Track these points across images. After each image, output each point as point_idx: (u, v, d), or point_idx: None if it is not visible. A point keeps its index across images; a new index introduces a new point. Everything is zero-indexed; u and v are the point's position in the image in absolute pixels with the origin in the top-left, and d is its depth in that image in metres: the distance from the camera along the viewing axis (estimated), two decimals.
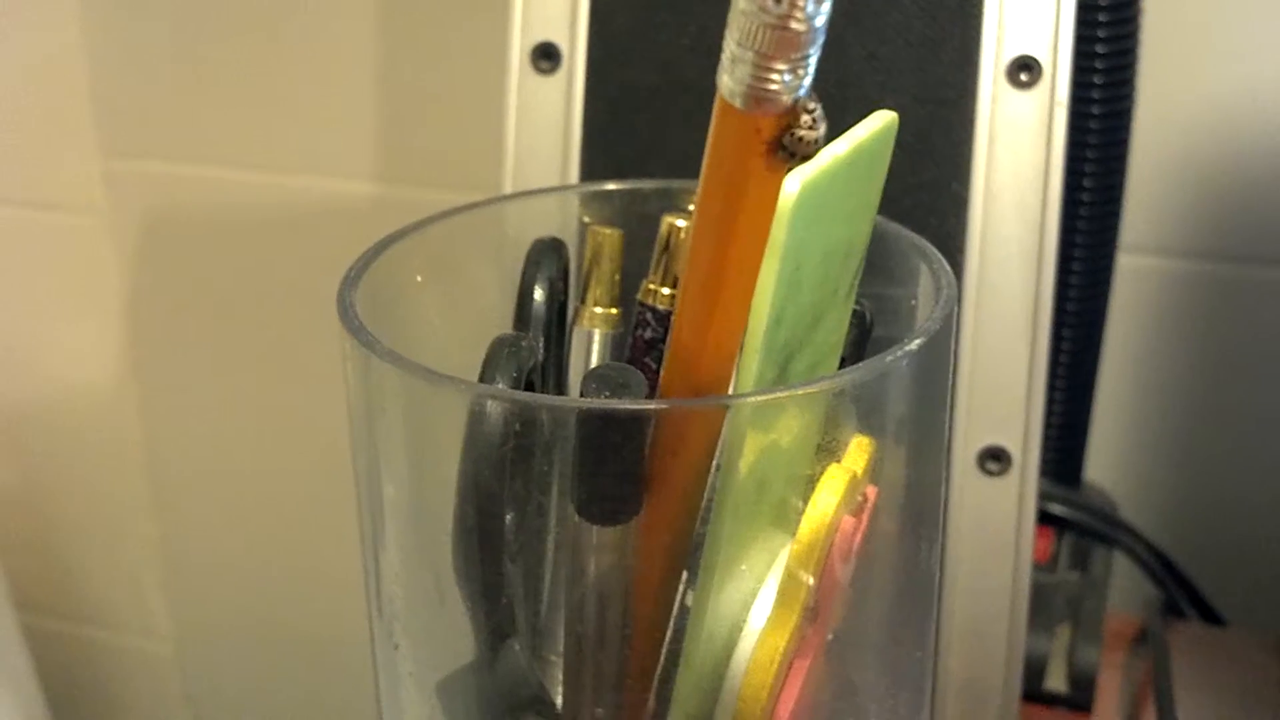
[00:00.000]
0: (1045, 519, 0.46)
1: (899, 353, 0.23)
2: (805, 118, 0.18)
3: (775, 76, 0.18)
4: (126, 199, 0.68)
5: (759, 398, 0.22)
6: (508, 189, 0.37)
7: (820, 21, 0.17)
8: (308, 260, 0.65)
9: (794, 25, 0.17)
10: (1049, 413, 0.46)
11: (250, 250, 0.66)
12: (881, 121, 0.23)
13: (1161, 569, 0.46)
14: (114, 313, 0.71)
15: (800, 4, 0.17)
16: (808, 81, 0.18)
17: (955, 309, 0.24)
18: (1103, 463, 0.51)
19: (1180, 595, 0.47)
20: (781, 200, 0.21)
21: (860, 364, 0.22)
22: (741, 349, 0.22)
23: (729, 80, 0.18)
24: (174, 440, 0.73)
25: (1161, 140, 0.49)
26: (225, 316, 0.69)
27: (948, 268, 0.25)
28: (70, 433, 0.75)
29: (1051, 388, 0.46)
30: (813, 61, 0.18)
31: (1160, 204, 0.50)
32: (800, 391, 0.22)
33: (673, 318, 0.22)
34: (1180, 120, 0.49)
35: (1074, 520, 0.46)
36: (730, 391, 0.23)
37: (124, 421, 0.73)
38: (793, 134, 0.18)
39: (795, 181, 0.21)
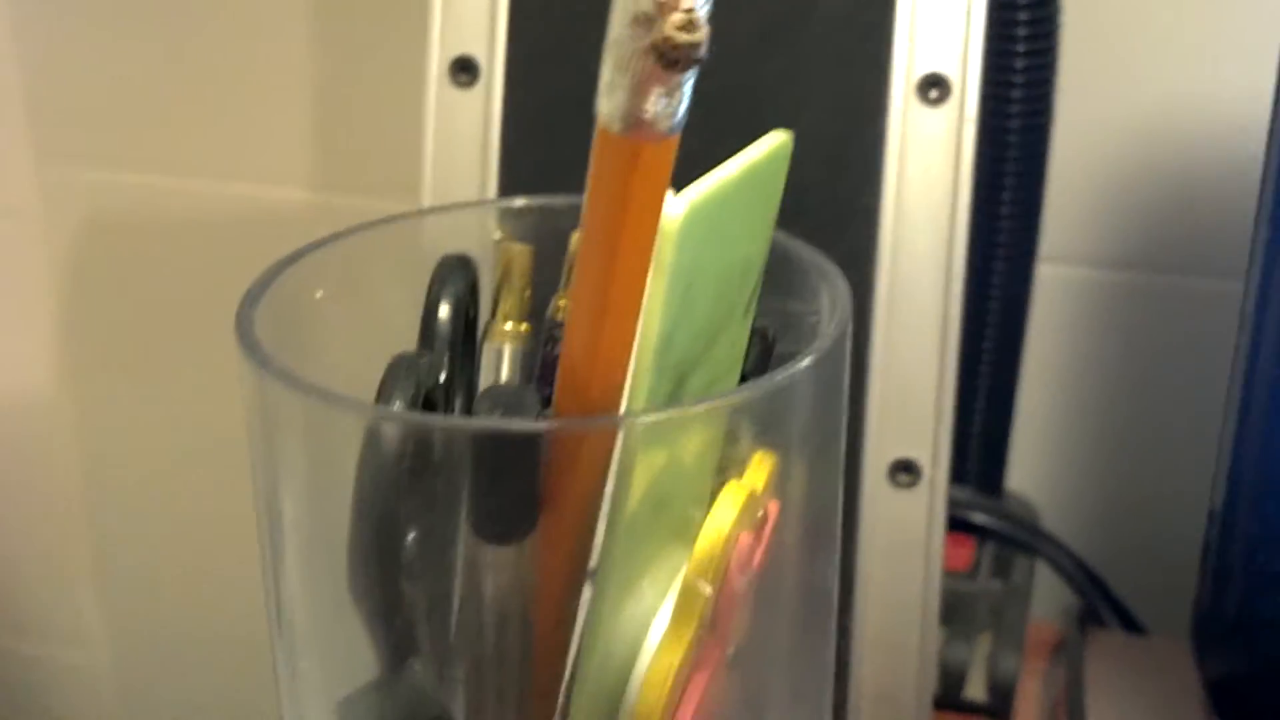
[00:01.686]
0: (967, 528, 0.46)
1: (789, 371, 0.23)
2: (677, 16, 0.17)
3: (651, 101, 0.18)
4: (61, 205, 0.67)
5: (646, 418, 0.22)
6: (426, 204, 0.37)
7: (697, 52, 0.17)
8: (243, 267, 0.64)
9: (668, 54, 0.17)
10: (971, 422, 0.47)
11: (185, 257, 0.66)
12: (774, 144, 0.23)
13: (1083, 578, 0.47)
14: (48, 320, 0.70)
15: (673, 33, 0.17)
16: (684, 106, 0.18)
17: (849, 327, 0.25)
18: (1024, 472, 0.52)
19: (1101, 603, 0.47)
20: (666, 222, 0.21)
21: (749, 383, 0.23)
22: (632, 369, 0.22)
23: (606, 106, 0.18)
24: (108, 448, 0.72)
25: (1082, 150, 0.49)
26: (160, 324, 0.68)
27: (843, 284, 0.26)
28: (2, 440, 0.74)
29: (973, 397, 0.47)
30: (689, 86, 0.18)
31: (1081, 214, 0.50)
32: (686, 411, 0.22)
33: (562, 337, 0.22)
34: (1101, 130, 0.50)
35: (995, 529, 0.46)
36: (622, 410, 0.23)
37: (57, 430, 0.72)
38: (667, 39, 0.17)
39: (680, 204, 0.21)
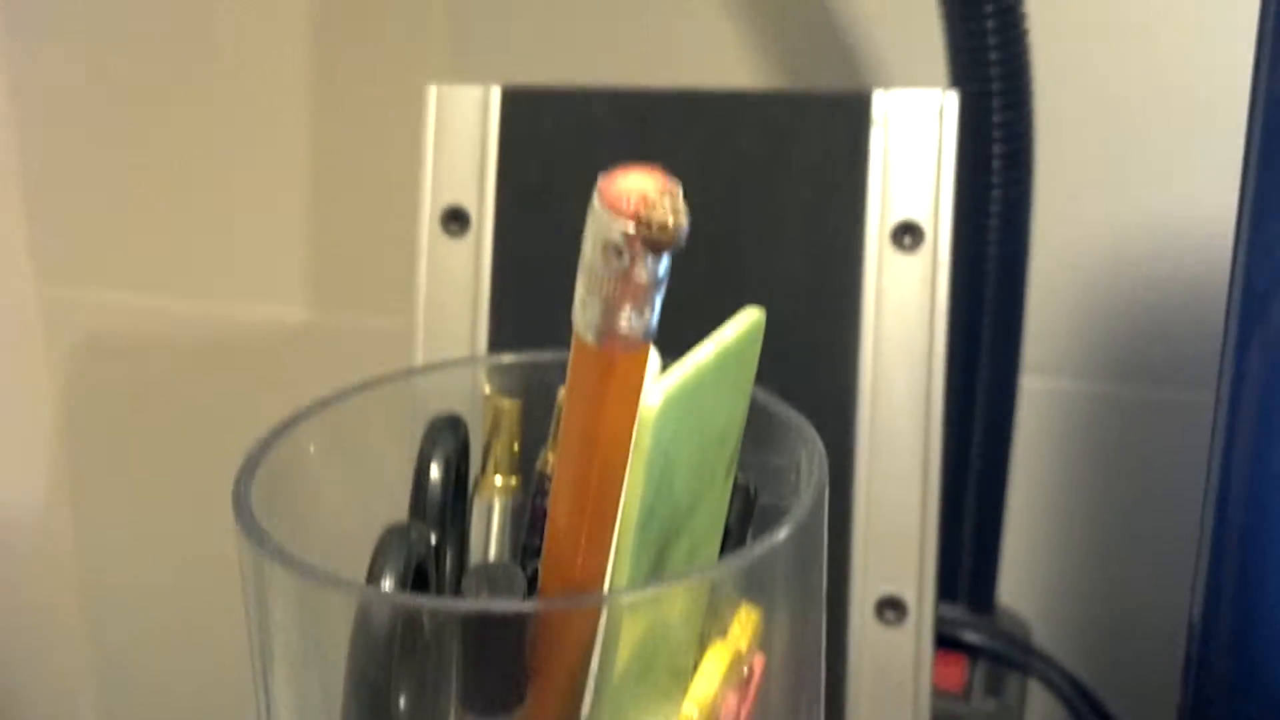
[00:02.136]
0: (958, 646, 0.47)
1: (767, 544, 0.24)
2: (658, 213, 0.18)
3: (623, 318, 0.19)
4: (62, 324, 0.68)
5: (630, 597, 0.23)
6: (419, 354, 0.38)
7: (662, 274, 0.18)
8: (243, 386, 0.65)
9: (635, 280, 0.18)
10: (960, 539, 0.47)
11: (186, 375, 0.67)
12: (747, 323, 0.24)
13: (1075, 695, 0.47)
14: (48, 439, 0.71)
15: (640, 263, 0.18)
16: (655, 318, 0.19)
17: (825, 490, 0.25)
18: (1016, 584, 0.52)
19: None
20: (644, 412, 0.22)
21: (728, 557, 0.23)
22: (614, 547, 0.23)
23: (581, 319, 0.19)
24: (107, 565, 0.73)
25: (1061, 268, 0.51)
26: (160, 442, 0.69)
27: (819, 445, 0.26)
28: (3, 558, 0.74)
29: (961, 513, 0.47)
30: (658, 301, 0.19)
31: (1063, 327, 0.51)
32: (666, 589, 0.23)
33: (546, 515, 0.23)
34: (1077, 248, 0.51)
35: (987, 648, 0.47)
36: (606, 584, 0.23)
37: (57, 547, 0.73)
38: (648, 231, 0.18)
39: (657, 395, 0.22)
